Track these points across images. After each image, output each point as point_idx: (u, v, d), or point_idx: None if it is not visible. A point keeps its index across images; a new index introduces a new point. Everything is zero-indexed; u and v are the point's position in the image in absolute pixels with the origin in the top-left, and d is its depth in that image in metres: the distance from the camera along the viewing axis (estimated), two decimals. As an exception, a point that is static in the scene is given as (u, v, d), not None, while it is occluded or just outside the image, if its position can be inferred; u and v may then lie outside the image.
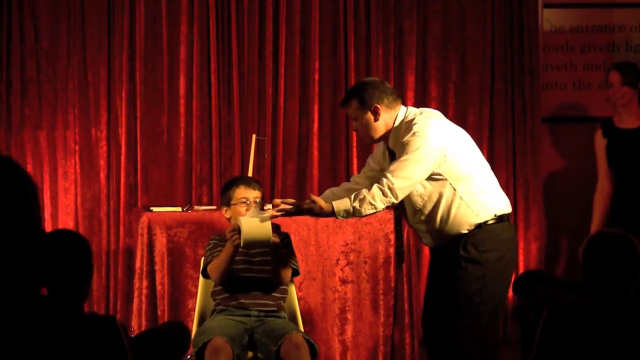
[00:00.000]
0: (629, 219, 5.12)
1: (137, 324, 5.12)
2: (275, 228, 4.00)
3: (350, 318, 5.16)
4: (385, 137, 3.83)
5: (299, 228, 5.08)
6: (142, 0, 5.80)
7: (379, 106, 3.76)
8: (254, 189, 4.19)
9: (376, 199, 3.61)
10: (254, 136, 5.40)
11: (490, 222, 3.73)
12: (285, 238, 4.23)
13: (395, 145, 3.78)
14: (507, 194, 5.95)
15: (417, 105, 6.00)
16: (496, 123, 6.07)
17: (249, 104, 5.91)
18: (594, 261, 2.99)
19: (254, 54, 5.89)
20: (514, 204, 6.03)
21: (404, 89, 6.01)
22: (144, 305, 5.14)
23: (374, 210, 3.65)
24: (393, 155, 3.80)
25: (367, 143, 3.92)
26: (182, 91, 5.86)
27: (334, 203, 3.68)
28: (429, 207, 3.74)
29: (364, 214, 3.67)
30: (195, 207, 5.40)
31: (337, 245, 5.14)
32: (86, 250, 2.81)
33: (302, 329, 4.22)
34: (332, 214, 3.68)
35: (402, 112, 3.80)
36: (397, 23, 6.03)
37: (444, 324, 3.75)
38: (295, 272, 4.26)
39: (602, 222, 5.35)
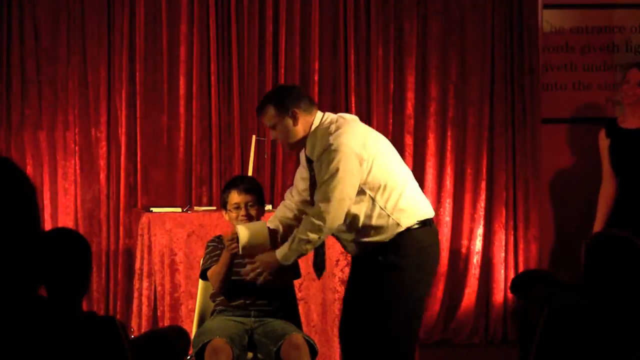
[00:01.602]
0: (631, 219, 5.12)
1: (137, 324, 5.13)
2: (274, 233, 4.00)
3: (350, 318, 5.16)
4: (303, 144, 3.70)
5: (298, 229, 5.08)
6: (142, 1, 5.80)
7: (297, 110, 3.64)
8: (247, 194, 4.16)
9: (307, 233, 3.56)
10: (253, 137, 5.39)
11: (412, 228, 3.63)
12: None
13: (312, 153, 3.66)
14: (507, 194, 6.06)
15: (418, 105, 6.05)
16: (496, 123, 6.07)
17: (248, 105, 5.90)
18: (596, 262, 2.99)
19: (254, 54, 5.89)
20: (513, 204, 6.05)
21: (404, 89, 6.01)
22: (143, 306, 5.14)
23: (311, 245, 3.60)
24: (311, 162, 3.69)
25: (288, 151, 3.81)
26: (182, 91, 5.86)
27: (277, 253, 3.68)
28: (349, 218, 3.62)
29: (304, 252, 3.64)
30: (195, 208, 5.40)
31: (336, 246, 5.13)
32: (85, 249, 2.81)
33: (302, 329, 4.21)
34: (282, 263, 3.69)
35: (319, 117, 3.67)
36: (397, 23, 6.03)
37: (363, 327, 3.67)
38: (296, 275, 4.26)
39: (605, 222, 5.35)
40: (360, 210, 3.60)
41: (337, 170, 3.50)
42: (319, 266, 3.89)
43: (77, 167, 5.81)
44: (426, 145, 6.03)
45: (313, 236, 3.57)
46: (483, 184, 6.05)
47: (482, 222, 6.04)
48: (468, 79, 6.07)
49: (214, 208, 5.41)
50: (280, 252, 3.68)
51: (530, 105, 6.06)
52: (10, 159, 2.17)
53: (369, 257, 3.68)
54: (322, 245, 3.84)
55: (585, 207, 5.74)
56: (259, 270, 3.78)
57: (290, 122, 3.65)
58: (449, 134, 6.06)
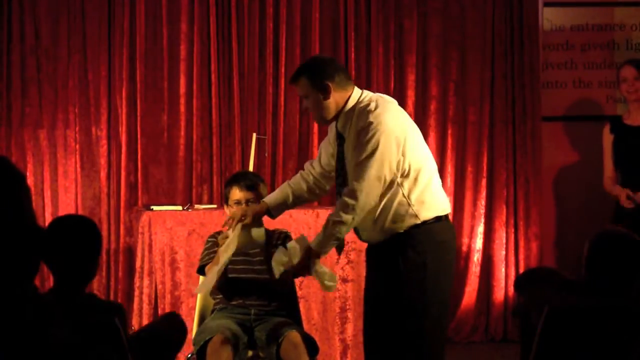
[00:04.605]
0: (633, 215, 5.12)
1: (138, 322, 5.13)
2: (270, 234, 3.97)
3: (351, 317, 5.16)
4: (335, 119, 3.60)
5: (299, 227, 5.08)
6: (143, -1, 5.81)
7: (330, 84, 3.53)
8: (248, 191, 4.13)
9: (340, 214, 3.46)
10: (254, 135, 5.39)
11: (429, 223, 3.57)
12: (286, 238, 4.22)
13: (344, 129, 3.59)
14: (508, 192, 6.06)
15: (418, 103, 6.05)
16: (496, 121, 6.08)
17: (249, 103, 5.91)
18: (598, 258, 2.99)
19: (254, 53, 5.89)
20: (514, 202, 6.05)
21: (404, 88, 6.01)
22: (144, 304, 5.14)
23: (346, 227, 3.48)
24: (342, 139, 3.62)
25: (319, 124, 3.69)
26: (182, 90, 5.86)
27: (311, 245, 3.54)
28: None
29: (339, 236, 3.51)
30: (196, 206, 5.40)
31: (337, 244, 5.13)
32: (92, 232, 2.84)
33: (302, 327, 4.22)
34: (315, 256, 3.54)
35: (357, 94, 3.58)
36: (398, 21, 6.03)
37: (391, 328, 3.60)
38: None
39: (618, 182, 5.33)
40: (385, 193, 3.53)
41: (376, 148, 3.44)
42: (340, 243, 3.74)
43: (78, 166, 5.81)
44: (426, 144, 6.01)
45: (346, 217, 3.46)
46: (483, 182, 6.06)
47: (482, 220, 6.05)
48: (468, 77, 6.07)
49: (215, 206, 5.41)
50: (314, 242, 3.54)
51: (531, 103, 6.07)
52: (6, 158, 2.17)
53: (386, 253, 3.62)
54: None
55: (585, 204, 5.75)
56: (290, 271, 3.61)
57: (321, 95, 3.56)
58: (449, 132, 6.07)
